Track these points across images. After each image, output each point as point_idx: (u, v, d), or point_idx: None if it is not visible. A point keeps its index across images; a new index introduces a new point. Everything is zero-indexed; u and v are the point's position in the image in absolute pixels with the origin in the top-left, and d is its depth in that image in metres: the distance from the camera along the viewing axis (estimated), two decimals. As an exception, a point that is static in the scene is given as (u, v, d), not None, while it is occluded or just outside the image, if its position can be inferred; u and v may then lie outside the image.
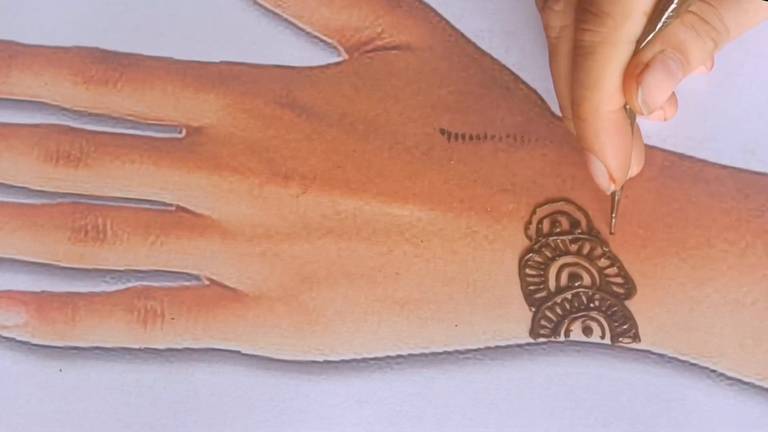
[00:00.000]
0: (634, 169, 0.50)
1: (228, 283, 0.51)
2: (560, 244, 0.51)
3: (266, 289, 0.51)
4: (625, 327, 0.50)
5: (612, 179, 0.48)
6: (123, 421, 0.49)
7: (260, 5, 0.57)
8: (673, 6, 0.46)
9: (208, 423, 0.49)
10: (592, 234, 0.51)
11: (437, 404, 0.49)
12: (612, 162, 0.48)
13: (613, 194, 0.50)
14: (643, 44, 0.46)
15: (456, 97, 0.54)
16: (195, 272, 0.52)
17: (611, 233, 0.51)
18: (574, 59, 0.47)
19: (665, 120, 0.53)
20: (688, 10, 0.47)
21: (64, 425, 0.49)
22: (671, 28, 0.47)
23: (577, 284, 0.51)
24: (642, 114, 0.47)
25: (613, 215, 0.51)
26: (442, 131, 0.54)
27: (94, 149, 0.54)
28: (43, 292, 0.52)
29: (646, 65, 0.46)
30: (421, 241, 0.51)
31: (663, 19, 0.46)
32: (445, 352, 0.50)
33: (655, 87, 0.46)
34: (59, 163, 0.54)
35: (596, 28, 0.46)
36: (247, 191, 0.53)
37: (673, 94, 0.53)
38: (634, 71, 0.46)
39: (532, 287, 0.51)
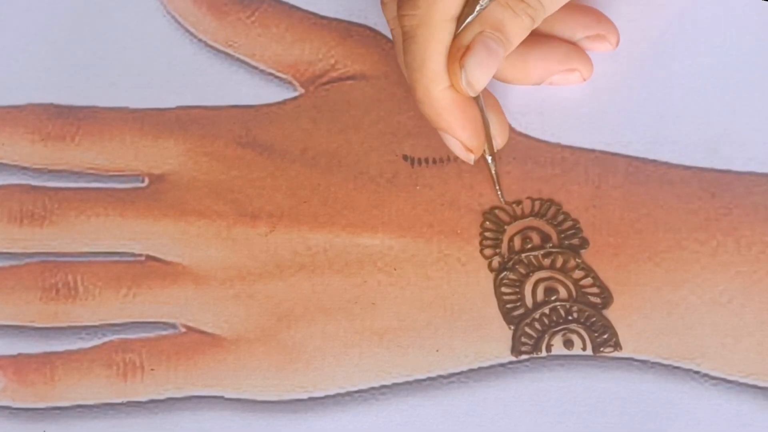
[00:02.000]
0: (498, 141, 0.52)
1: (205, 328, 0.51)
2: (533, 260, 0.51)
3: (244, 331, 0.51)
4: (605, 336, 0.50)
5: (468, 149, 0.49)
6: (112, 479, 0.49)
7: (212, 47, 0.57)
8: (480, 6, 0.47)
9: (197, 472, 0.48)
10: (564, 246, 0.51)
11: (425, 431, 0.49)
12: (461, 134, 0.49)
13: (489, 168, 0.51)
14: (462, 27, 0.47)
15: (416, 121, 0.54)
16: (171, 320, 0.51)
17: (503, 202, 0.52)
18: (403, 45, 0.48)
19: (584, 81, 0.54)
20: None
21: (52, 489, 0.49)
22: (488, 9, 0.47)
23: (553, 298, 0.51)
24: (469, 95, 0.48)
25: (497, 187, 0.52)
26: (405, 157, 0.54)
27: (58, 206, 0.54)
28: (19, 354, 0.51)
29: (467, 48, 0.47)
30: (395, 269, 0.51)
31: (480, 2, 0.47)
32: (429, 378, 0.50)
33: (478, 67, 0.47)
34: (24, 223, 0.54)
35: (413, 12, 0.47)
36: (216, 234, 0.53)
37: (584, 52, 0.54)
38: (456, 54, 0.47)
39: (509, 305, 0.51)
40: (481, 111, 0.50)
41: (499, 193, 0.52)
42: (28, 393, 0.50)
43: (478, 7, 0.47)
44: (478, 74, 0.47)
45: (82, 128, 0.55)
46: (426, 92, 0.48)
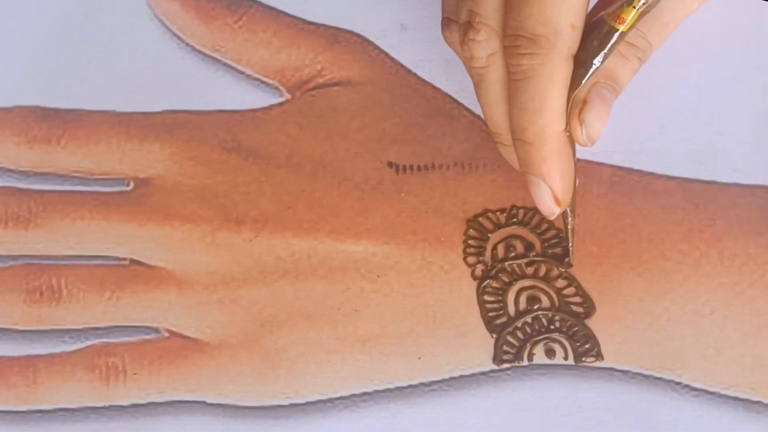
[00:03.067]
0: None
1: (188, 333, 0.51)
2: (516, 268, 0.51)
3: (226, 336, 0.51)
4: (587, 346, 0.50)
5: (557, 202, 0.48)
6: (92, 483, 0.48)
7: (199, 51, 0.57)
8: (601, 54, 0.46)
9: (177, 477, 0.48)
10: (547, 255, 0.51)
11: (406, 439, 0.49)
12: (558, 184, 0.48)
13: (566, 222, 0.50)
14: (584, 79, 0.46)
15: (401, 128, 0.54)
16: (154, 325, 0.51)
17: (571, 264, 0.51)
18: (511, 85, 0.47)
19: None
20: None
21: (31, 492, 0.48)
22: None
23: (536, 307, 0.51)
24: (587, 146, 0.48)
25: (570, 244, 0.51)
26: (390, 164, 0.54)
27: (43, 209, 0.54)
28: (2, 357, 0.51)
29: (584, 102, 0.47)
30: (378, 276, 0.51)
31: (592, 69, 0.46)
32: (410, 386, 0.50)
33: (597, 120, 0.47)
34: (8, 225, 0.54)
35: (533, 51, 0.45)
36: (200, 239, 0.53)
37: None
38: (574, 111, 0.47)
39: (491, 313, 0.51)
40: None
41: (570, 250, 0.51)
42: (10, 395, 0.50)
43: (591, 70, 0.46)
44: (597, 126, 0.48)
45: (69, 131, 0.55)
46: (540, 134, 0.46)
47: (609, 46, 0.46)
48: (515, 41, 0.45)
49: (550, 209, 0.49)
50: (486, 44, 0.47)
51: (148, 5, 0.58)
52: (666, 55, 0.54)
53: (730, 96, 0.54)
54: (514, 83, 0.46)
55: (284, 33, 0.57)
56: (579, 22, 0.45)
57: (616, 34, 0.45)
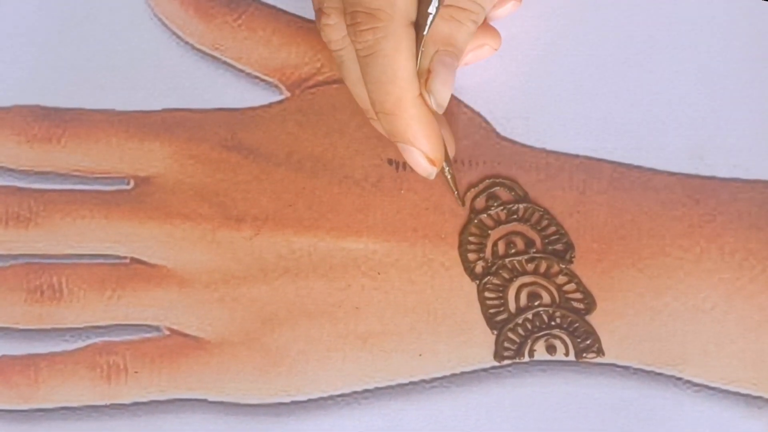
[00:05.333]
0: (451, 149, 0.52)
1: (189, 331, 0.51)
2: (517, 265, 0.51)
3: (228, 334, 0.51)
4: (588, 342, 0.50)
5: (432, 161, 0.50)
6: (94, 481, 0.49)
7: (198, 50, 0.57)
8: (434, 7, 0.47)
9: (179, 475, 0.48)
10: (548, 252, 0.51)
11: (408, 436, 0.49)
12: (427, 146, 0.49)
13: (445, 175, 0.52)
14: (420, 53, 0.48)
15: (401, 126, 0.54)
16: (155, 323, 0.52)
17: (462, 205, 0.52)
18: (361, 62, 0.48)
19: (494, 51, 0.54)
20: (445, 5, 0.48)
21: (33, 491, 0.49)
22: (436, 27, 0.48)
23: (537, 303, 0.51)
24: (438, 112, 0.49)
25: (455, 192, 0.52)
26: (390, 161, 0.54)
27: (43, 208, 0.54)
28: (3, 356, 0.51)
29: (428, 71, 0.48)
30: (379, 274, 0.51)
31: (428, 22, 0.47)
32: (412, 383, 0.50)
33: (443, 86, 0.48)
34: (9, 224, 0.54)
35: (373, 25, 0.47)
36: (200, 237, 0.53)
37: (489, 25, 0.54)
38: (421, 81, 0.48)
39: (492, 310, 0.51)
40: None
41: (457, 196, 0.52)
42: (12, 395, 0.50)
43: (430, 19, 0.47)
44: (444, 92, 0.49)
45: (68, 130, 0.55)
46: (398, 103, 0.48)
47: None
48: (355, 18, 0.47)
49: (427, 170, 0.50)
50: (337, 27, 0.49)
51: (147, 4, 0.58)
52: (665, 50, 0.55)
53: (729, 91, 0.54)
54: (363, 59, 0.48)
55: (283, 31, 0.57)
56: None
57: None
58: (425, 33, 0.47)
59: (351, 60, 0.50)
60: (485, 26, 0.54)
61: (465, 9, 0.49)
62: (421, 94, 0.48)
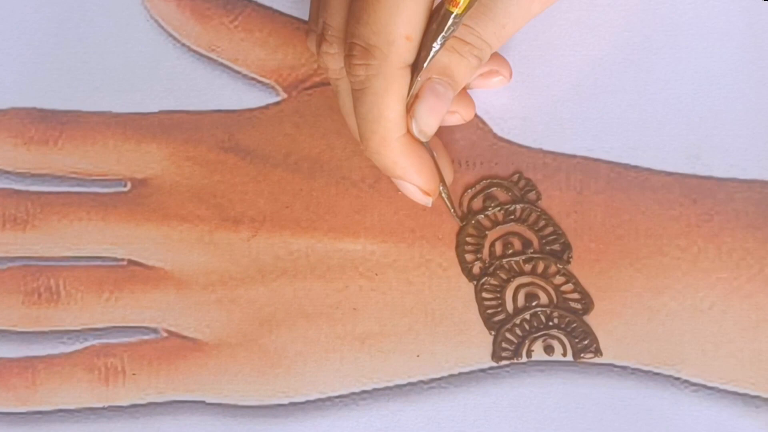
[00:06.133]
0: (448, 176, 0.52)
1: (186, 333, 0.51)
2: (514, 265, 0.51)
3: (225, 336, 0.51)
4: (585, 342, 0.50)
5: (426, 193, 0.50)
6: (91, 484, 0.49)
7: (195, 51, 0.57)
8: (440, 38, 0.46)
9: (177, 478, 0.49)
10: (545, 252, 0.51)
11: (406, 437, 0.49)
12: (418, 179, 0.49)
13: (443, 196, 0.51)
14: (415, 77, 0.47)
15: (398, 127, 0.54)
16: (152, 325, 0.52)
17: (461, 223, 0.52)
18: (352, 95, 0.47)
19: (464, 121, 0.53)
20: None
21: (31, 494, 0.49)
22: (435, 56, 0.47)
23: (534, 304, 0.51)
24: (422, 140, 0.48)
25: (452, 210, 0.52)
26: (388, 162, 0.54)
27: (40, 210, 0.54)
28: (1, 358, 0.51)
29: (416, 96, 0.47)
30: (376, 275, 0.51)
31: (431, 53, 0.46)
32: (409, 384, 0.50)
33: (428, 113, 0.47)
34: (6, 227, 0.54)
35: (367, 61, 0.46)
36: (198, 239, 0.53)
37: (468, 95, 0.53)
38: (407, 104, 0.47)
39: (490, 311, 0.51)
40: (430, 152, 0.50)
41: (454, 215, 0.52)
42: (10, 397, 0.50)
43: (431, 54, 0.46)
44: (429, 120, 0.48)
45: (65, 132, 0.55)
46: (383, 142, 0.47)
47: (446, 28, 0.46)
48: (352, 50, 0.46)
49: (422, 201, 0.50)
50: (338, 57, 0.48)
51: (143, 6, 0.58)
52: (662, 50, 0.55)
53: (726, 91, 0.54)
54: (354, 92, 0.47)
55: (280, 32, 0.57)
56: (415, 33, 0.45)
57: (452, 17, 0.45)
58: (425, 66, 0.46)
59: (347, 92, 0.49)
60: (495, 56, 0.53)
61: (467, 42, 0.48)
62: (408, 131, 0.48)
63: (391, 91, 0.46)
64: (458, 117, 0.53)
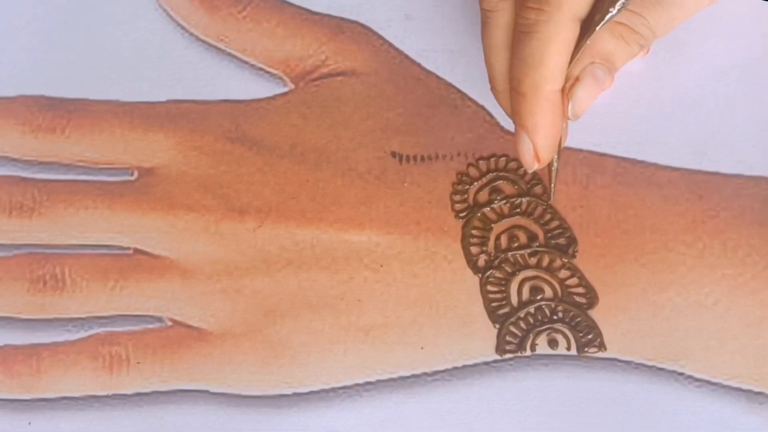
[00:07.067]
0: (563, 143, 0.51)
1: (191, 322, 0.51)
2: (519, 259, 0.51)
3: (230, 325, 0.51)
4: (590, 337, 0.50)
5: (537, 158, 0.48)
6: (95, 470, 0.49)
7: (203, 41, 0.57)
8: (618, 3, 0.46)
9: (180, 466, 0.49)
10: (550, 246, 0.51)
11: (408, 428, 0.49)
12: (542, 140, 0.48)
13: (550, 167, 0.50)
14: (575, 58, 0.47)
15: (405, 119, 0.54)
16: (157, 314, 0.52)
17: (551, 203, 0.52)
18: (515, 35, 0.47)
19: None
20: (619, 22, 0.48)
21: (35, 480, 0.49)
22: (601, 39, 0.48)
23: (539, 297, 0.51)
24: (571, 120, 0.49)
25: (552, 185, 0.51)
26: (394, 154, 0.54)
27: (47, 198, 0.54)
28: (5, 345, 0.51)
29: (576, 79, 0.48)
30: (381, 266, 0.51)
31: (606, 17, 0.46)
32: (413, 376, 0.50)
33: (585, 97, 0.48)
34: (12, 214, 0.54)
35: (541, 6, 0.46)
36: (204, 229, 0.53)
37: None
38: (566, 85, 0.47)
39: (494, 304, 0.51)
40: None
41: (553, 190, 0.52)
42: (14, 384, 0.51)
43: (608, 15, 0.46)
44: (585, 103, 0.48)
45: (73, 121, 0.55)
46: (534, 88, 0.46)
47: (619, 3, 0.46)
48: None
49: (529, 164, 0.49)
50: None
51: (152, -5, 0.58)
52: (670, 46, 0.54)
53: (733, 87, 0.54)
54: (518, 34, 0.47)
55: (288, 23, 0.57)
56: None
57: None
58: (598, 28, 0.46)
59: (496, 26, 0.48)
60: None
61: (636, 32, 0.48)
62: (561, 90, 0.47)
63: (557, 39, 0.46)
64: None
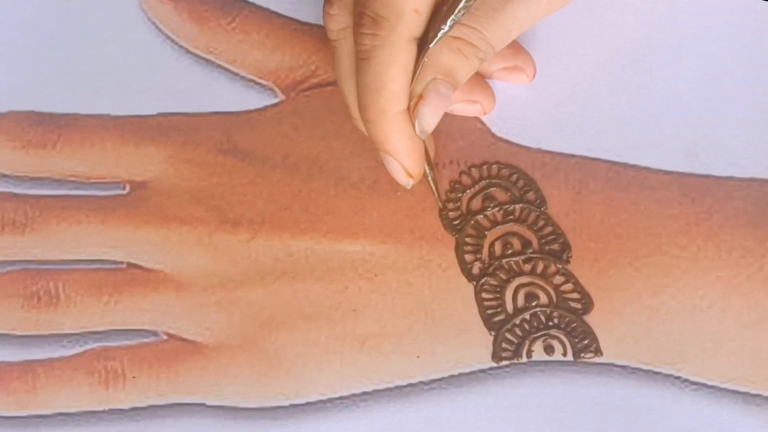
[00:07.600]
0: (431, 154, 0.52)
1: (186, 335, 0.51)
2: (514, 265, 0.51)
3: (225, 338, 0.51)
4: (585, 342, 0.50)
5: (409, 175, 0.50)
6: (93, 487, 0.49)
7: (193, 53, 0.57)
8: (449, 20, 0.47)
9: (178, 480, 0.48)
10: (544, 252, 0.51)
11: (407, 437, 0.49)
12: (405, 160, 0.49)
13: (428, 178, 0.52)
14: (416, 74, 0.48)
15: (396, 127, 0.54)
16: (152, 328, 0.51)
17: (440, 207, 0.53)
18: (356, 63, 0.48)
19: (485, 114, 0.54)
20: (455, 36, 0.48)
21: (32, 498, 0.49)
22: (440, 55, 0.48)
23: (534, 304, 0.51)
24: (421, 138, 0.49)
25: (435, 193, 0.52)
26: (386, 163, 0.54)
27: (39, 213, 0.54)
28: (1, 362, 0.51)
29: (420, 97, 0.48)
30: (376, 276, 0.51)
31: (440, 34, 0.47)
32: (410, 385, 0.50)
33: (431, 114, 0.48)
34: (5, 230, 0.53)
35: (374, 32, 0.46)
36: (197, 241, 0.53)
37: (488, 85, 0.54)
38: (409, 104, 0.48)
39: (490, 311, 0.51)
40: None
41: (437, 198, 0.52)
42: (10, 401, 0.50)
43: (440, 33, 0.47)
44: (432, 120, 0.48)
45: (64, 135, 0.55)
46: (380, 114, 0.48)
47: (456, 11, 0.47)
48: (360, 19, 0.47)
49: (404, 182, 0.50)
50: (337, 18, 0.49)
51: (141, 8, 0.58)
52: (661, 48, 0.55)
53: (725, 90, 0.54)
54: (359, 61, 0.48)
55: (278, 34, 0.57)
56: (424, 8, 0.47)
57: (463, 1, 0.46)
58: (432, 45, 0.47)
59: (344, 54, 0.50)
60: (481, 84, 0.54)
61: (474, 45, 0.48)
62: (407, 110, 0.48)
63: (395, 62, 0.47)
64: (479, 108, 0.53)
